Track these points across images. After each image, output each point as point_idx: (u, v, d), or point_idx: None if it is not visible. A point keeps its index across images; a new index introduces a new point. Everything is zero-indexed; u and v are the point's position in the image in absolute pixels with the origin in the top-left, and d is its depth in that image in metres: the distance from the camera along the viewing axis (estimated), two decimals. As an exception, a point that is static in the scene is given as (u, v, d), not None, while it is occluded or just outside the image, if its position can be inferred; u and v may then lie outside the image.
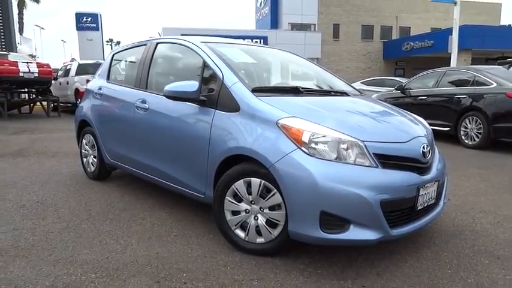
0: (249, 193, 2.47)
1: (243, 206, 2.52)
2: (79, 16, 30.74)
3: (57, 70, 15.73)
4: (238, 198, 2.53)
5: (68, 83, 13.63)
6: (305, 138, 2.27)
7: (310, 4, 30.77)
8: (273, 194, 2.38)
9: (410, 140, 2.51)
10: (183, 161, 2.95)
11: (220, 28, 29.51)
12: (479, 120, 6.70)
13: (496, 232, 3.02)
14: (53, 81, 13.61)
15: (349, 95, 3.20)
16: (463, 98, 7.02)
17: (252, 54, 3.52)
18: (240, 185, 2.49)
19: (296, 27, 30.90)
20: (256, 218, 2.49)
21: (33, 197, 3.73)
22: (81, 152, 4.51)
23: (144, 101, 3.34)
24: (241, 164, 2.52)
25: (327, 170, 2.20)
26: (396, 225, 2.33)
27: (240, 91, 2.64)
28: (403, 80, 15.83)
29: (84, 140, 4.41)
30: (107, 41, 57.94)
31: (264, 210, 2.45)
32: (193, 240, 2.76)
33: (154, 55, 3.52)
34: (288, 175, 2.24)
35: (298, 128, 2.31)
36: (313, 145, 2.26)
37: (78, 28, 30.75)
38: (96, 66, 15.04)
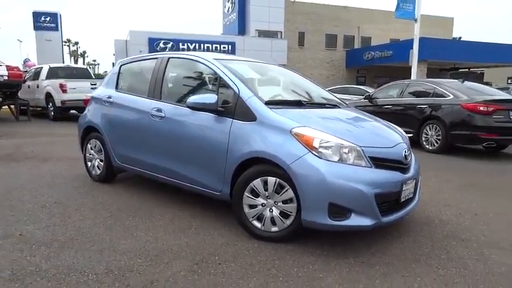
0: (265, 189, 2.96)
1: (260, 200, 3.00)
2: (37, 15, 29.88)
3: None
4: (255, 193, 3.00)
5: (37, 87, 13.50)
6: (315, 144, 2.79)
7: (276, 12, 31.65)
8: (286, 190, 2.88)
9: (395, 146, 3.10)
10: (201, 163, 3.38)
11: (189, 33, 29.71)
12: (438, 128, 7.53)
13: (459, 221, 3.67)
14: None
15: (340, 107, 3.76)
16: (424, 107, 7.84)
17: (257, 71, 4.01)
18: (257, 183, 2.97)
19: (263, 34, 31.65)
20: (271, 210, 2.98)
21: (49, 198, 4.01)
22: (85, 156, 4.79)
23: (159, 110, 3.74)
24: (258, 165, 3.00)
25: (333, 169, 2.73)
26: (386, 214, 2.89)
27: (256, 104, 3.13)
28: (367, 88, 16.86)
29: (89, 145, 4.70)
30: (65, 42, 56.30)
31: (278, 204, 2.94)
32: (213, 231, 3.20)
33: (167, 68, 3.93)
34: (302, 174, 2.75)
35: (309, 135, 2.83)
36: (321, 149, 2.78)
37: (36, 28, 29.88)
38: (68, 70, 15.01)
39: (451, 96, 7.41)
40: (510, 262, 2.80)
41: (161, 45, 28.76)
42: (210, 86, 3.64)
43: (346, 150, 2.82)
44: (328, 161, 2.76)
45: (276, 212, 2.96)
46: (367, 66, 31.76)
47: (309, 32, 32.88)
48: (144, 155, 3.95)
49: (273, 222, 2.98)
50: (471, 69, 32.31)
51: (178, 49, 29.01)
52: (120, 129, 4.23)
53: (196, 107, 3.29)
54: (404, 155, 3.11)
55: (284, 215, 2.94)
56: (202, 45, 29.69)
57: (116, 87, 4.47)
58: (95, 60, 62.90)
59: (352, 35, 34.17)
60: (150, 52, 28.56)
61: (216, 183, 3.30)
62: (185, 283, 2.37)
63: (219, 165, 3.23)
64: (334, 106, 3.74)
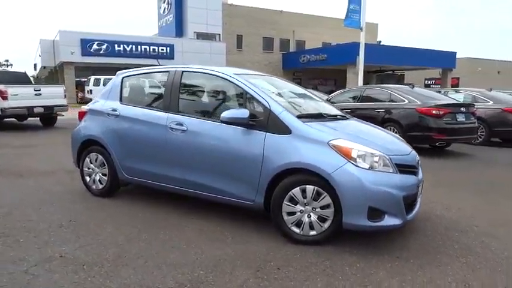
0: (304, 197, 3.21)
1: (298, 207, 3.25)
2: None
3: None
4: (294, 201, 3.24)
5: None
6: (354, 154, 3.11)
7: (214, 14, 31.80)
8: (324, 197, 3.17)
9: (410, 153, 3.53)
10: (231, 174, 3.53)
11: (125, 34, 28.73)
12: (396, 130, 8.28)
13: (449, 215, 4.23)
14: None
15: (349, 119, 4.11)
16: (382, 111, 8.58)
17: (274, 85, 4.22)
18: (296, 191, 3.22)
19: (201, 36, 31.61)
20: (309, 216, 3.24)
21: (60, 216, 3.87)
22: (82, 170, 4.65)
23: (180, 123, 3.81)
24: (296, 175, 3.24)
25: (370, 176, 3.07)
26: (408, 213, 3.29)
27: (289, 118, 3.37)
28: (319, 94, 17.68)
29: (87, 159, 4.58)
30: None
31: (316, 210, 3.21)
32: (249, 239, 3.38)
33: (183, 82, 4.00)
34: (343, 181, 3.05)
35: (347, 146, 3.14)
36: (358, 159, 3.11)
37: None
38: (5, 74, 13.88)
39: (406, 101, 8.22)
40: (509, 248, 3.35)
41: (95, 46, 27.51)
42: (236, 101, 3.80)
43: (376, 159, 3.17)
44: (364, 169, 3.10)
45: (314, 218, 3.23)
46: (302, 69, 33.15)
47: (246, 35, 33.48)
48: (159, 168, 3.98)
49: (311, 226, 3.25)
50: (394, 71, 35.19)
51: (113, 51, 27.97)
52: (129, 143, 4.20)
53: (230, 122, 3.44)
54: (417, 161, 3.55)
55: (321, 219, 3.22)
56: (139, 47, 28.93)
57: (120, 100, 4.42)
58: (7, 61, 57.27)
59: (288, 39, 35.43)
60: (82, 53, 27.21)
61: (249, 193, 3.47)
62: (259, 289, 2.55)
63: (252, 176, 3.41)
64: (344, 118, 4.09)
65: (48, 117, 12.83)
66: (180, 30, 32.09)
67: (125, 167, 4.26)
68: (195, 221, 3.80)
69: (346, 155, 3.12)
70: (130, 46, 28.59)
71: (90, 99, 24.55)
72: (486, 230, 3.78)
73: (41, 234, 3.42)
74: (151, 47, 29.40)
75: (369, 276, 2.76)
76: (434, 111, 7.73)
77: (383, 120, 8.52)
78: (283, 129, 3.35)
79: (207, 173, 3.68)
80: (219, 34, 32.25)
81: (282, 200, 3.27)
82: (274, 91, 3.96)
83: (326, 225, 3.21)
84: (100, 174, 4.51)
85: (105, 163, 4.43)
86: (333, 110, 4.28)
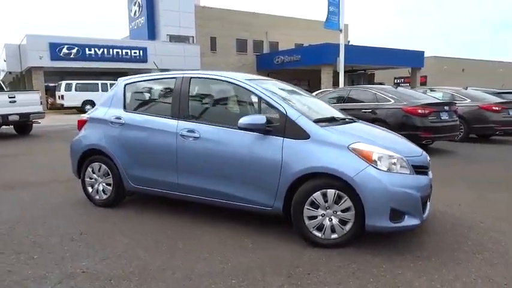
0: (325, 201, 3.25)
1: (320, 211, 3.28)
2: None
3: None
4: (315, 205, 3.27)
5: None
6: (375, 157, 3.16)
7: (187, 17, 31.55)
8: (345, 200, 3.21)
9: (421, 154, 3.62)
10: (248, 180, 3.52)
11: (97, 38, 27.96)
12: (382, 129, 8.48)
13: (452, 212, 4.37)
14: None
15: (357, 121, 4.17)
16: (368, 111, 8.76)
17: (281, 88, 4.22)
18: (317, 196, 3.25)
19: (174, 39, 31.28)
20: (330, 219, 3.27)
21: (68, 230, 3.74)
22: (84, 181, 4.51)
23: (191, 130, 3.76)
24: (316, 179, 3.27)
25: (391, 179, 3.14)
26: (423, 212, 3.38)
27: (306, 123, 3.39)
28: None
29: (89, 169, 4.45)
30: None
31: (337, 213, 3.25)
32: (270, 246, 3.37)
33: (191, 89, 3.96)
34: (365, 184, 3.10)
35: (367, 150, 3.20)
36: (378, 162, 3.17)
37: None
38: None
39: (392, 101, 8.43)
40: (517, 241, 3.51)
41: (65, 50, 26.71)
42: (250, 107, 3.79)
43: (394, 161, 3.24)
44: (384, 171, 3.16)
45: (335, 221, 3.27)
46: (277, 70, 33.30)
47: (220, 37, 33.40)
48: (168, 176, 3.92)
49: (333, 230, 3.28)
50: (365, 71, 36.04)
51: (84, 54, 27.24)
52: (136, 151, 4.11)
53: (248, 128, 3.43)
54: (428, 161, 3.65)
55: (342, 222, 3.26)
56: (111, 50, 28.31)
57: (124, 108, 4.31)
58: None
59: (261, 40, 35.59)
60: (51, 58, 26.32)
61: (267, 199, 3.47)
62: (297, 296, 2.56)
63: (270, 181, 3.42)
64: (352, 120, 4.15)
65: (24, 125, 12.37)
66: (152, 33, 31.65)
67: (132, 176, 4.17)
68: (209, 228, 3.76)
69: (366, 158, 3.17)
70: (101, 49, 27.92)
71: (62, 105, 24.02)
72: (491, 225, 3.93)
73: (54, 249, 3.30)
74: (124, 50, 28.82)
75: (398, 277, 2.82)
76: (420, 111, 7.97)
77: (370, 120, 8.69)
78: (301, 134, 3.37)
79: (222, 180, 3.65)
80: (193, 36, 32.01)
81: (303, 204, 3.29)
82: (285, 96, 3.97)
83: (347, 227, 3.26)
84: (104, 184, 4.39)
85: (110, 173, 4.31)
86: (337, 113, 4.34)
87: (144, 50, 29.26)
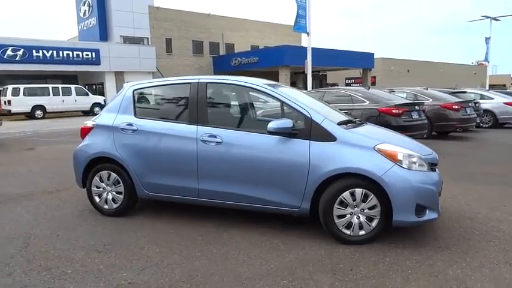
0: (353, 200, 3.42)
1: (348, 210, 3.44)
2: None
3: None
4: (344, 204, 3.43)
5: None
6: (400, 157, 3.38)
7: (141, 17, 30.79)
8: (371, 198, 3.40)
9: (432, 152, 3.90)
10: (275, 183, 3.61)
11: (46, 39, 26.52)
12: (359, 129, 8.87)
13: (451, 205, 4.70)
14: None
15: (367, 124, 4.37)
16: (346, 112, 9.10)
17: (296, 93, 4.33)
18: (346, 195, 3.41)
19: (128, 40, 30.40)
20: (358, 217, 3.45)
21: (87, 241, 3.63)
22: (91, 190, 4.37)
23: (213, 135, 3.78)
24: (344, 179, 3.42)
25: (415, 176, 3.37)
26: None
27: (331, 126, 3.55)
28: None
29: (96, 178, 4.31)
30: None
31: (365, 210, 3.43)
32: (300, 244, 3.49)
33: (209, 94, 3.97)
34: (393, 182, 3.30)
35: (392, 150, 3.41)
36: (402, 161, 3.39)
37: None
38: None
39: (367, 102, 8.84)
40: (517, 229, 3.88)
41: (9, 52, 25.05)
42: (272, 111, 3.86)
43: (414, 159, 3.48)
44: (408, 169, 3.39)
45: (362, 218, 3.45)
46: (235, 72, 33.35)
47: (175, 38, 32.89)
48: (188, 182, 3.92)
49: (360, 227, 3.46)
50: (319, 72, 37.11)
51: (31, 56, 25.71)
52: (151, 158, 4.05)
53: (276, 132, 3.52)
54: (437, 159, 3.94)
55: (370, 219, 3.45)
56: (60, 52, 26.96)
57: (135, 114, 4.23)
58: None
59: (217, 42, 35.48)
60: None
61: (294, 200, 3.58)
62: (350, 291, 2.70)
63: (298, 183, 3.53)
64: (362, 123, 4.36)
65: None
66: (104, 34, 30.53)
67: (146, 183, 4.10)
68: (234, 232, 3.81)
69: (392, 157, 3.38)
70: (50, 51, 26.46)
71: (9, 111, 22.51)
72: (487, 215, 4.30)
73: (84, 262, 3.19)
74: (75, 52, 27.51)
75: (431, 267, 3.04)
76: (394, 111, 8.42)
77: (346, 121, 9.06)
78: (327, 136, 3.51)
79: (248, 183, 3.71)
80: (147, 38, 31.29)
81: (333, 204, 3.43)
82: (305, 100, 4.08)
83: (373, 224, 3.45)
84: (114, 193, 4.27)
85: (120, 181, 4.21)
86: (343, 115, 4.54)
87: (97, 51, 28.11)
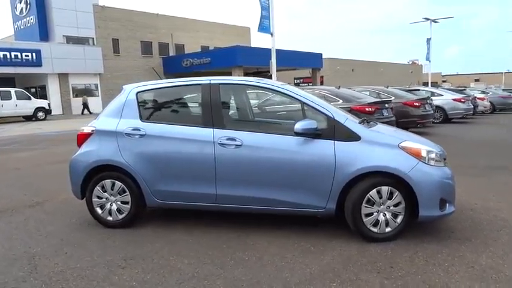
0: (379, 197, 3.46)
1: (375, 208, 3.48)
2: None
3: None
4: (371, 203, 3.47)
5: None
6: (423, 154, 3.48)
7: (85, 17, 29.31)
8: (396, 195, 3.47)
9: (441, 149, 4.05)
10: (300, 185, 3.56)
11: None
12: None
13: (444, 197, 4.93)
14: None
15: (378, 123, 4.44)
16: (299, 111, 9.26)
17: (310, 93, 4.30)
18: (373, 193, 3.45)
19: (72, 40, 28.81)
20: (384, 214, 3.50)
21: (103, 257, 3.35)
22: (91, 201, 4.04)
23: (232, 138, 3.65)
24: (370, 178, 3.45)
25: (437, 172, 3.49)
26: (453, 200, 3.82)
27: (354, 125, 3.57)
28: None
29: (98, 188, 4.00)
30: None
31: (390, 207, 3.49)
32: (329, 245, 3.47)
33: (222, 95, 3.83)
34: (419, 179, 3.39)
35: (416, 147, 3.50)
36: (426, 158, 3.49)
37: None
38: None
39: (341, 101, 9.05)
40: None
41: None
42: (292, 112, 3.80)
43: (433, 156, 3.59)
44: (431, 166, 3.49)
45: (388, 215, 3.50)
46: (186, 73, 32.75)
47: (123, 38, 31.68)
48: (205, 187, 3.75)
49: (387, 224, 3.51)
50: (269, 72, 37.49)
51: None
52: (162, 164, 3.83)
53: (303, 133, 3.47)
54: (446, 154, 4.10)
55: (395, 216, 3.51)
56: (-3, 52, 24.92)
57: (141, 118, 3.97)
58: None
59: (167, 42, 34.68)
60: None
61: (319, 201, 3.56)
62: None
63: (323, 183, 3.51)
64: (374, 122, 4.42)
65: None
66: (45, 34, 28.68)
67: (157, 191, 3.87)
68: (257, 237, 3.70)
69: (416, 154, 3.47)
70: (-17, 52, 24.45)
71: None
72: (484, 205, 4.56)
73: (112, 280, 2.94)
74: (12, 53, 25.64)
75: (464, 259, 3.15)
76: (367, 109, 8.72)
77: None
78: (351, 136, 3.53)
79: (271, 186, 3.63)
80: (93, 38, 29.84)
81: (360, 203, 3.45)
82: (320, 100, 4.07)
83: (399, 220, 3.52)
84: (119, 203, 3.99)
85: (126, 189, 3.94)
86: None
87: (38, 52, 26.40)
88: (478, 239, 3.57)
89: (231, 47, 29.77)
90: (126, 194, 3.96)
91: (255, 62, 30.21)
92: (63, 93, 28.16)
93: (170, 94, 4.20)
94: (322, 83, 40.24)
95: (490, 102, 20.82)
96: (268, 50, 32.02)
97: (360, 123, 3.84)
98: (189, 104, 4.07)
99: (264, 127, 3.75)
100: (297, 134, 3.50)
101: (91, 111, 28.09)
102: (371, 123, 4.30)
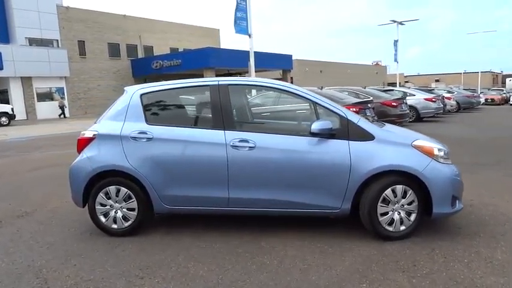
0: (394, 196, 3.50)
1: (390, 207, 3.51)
2: None
3: None
4: (386, 202, 3.50)
5: None
6: (436, 152, 3.54)
7: (49, 18, 28.20)
8: (410, 194, 3.52)
9: (445, 146, 4.16)
10: (315, 186, 3.54)
11: None
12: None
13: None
14: None
15: (386, 123, 4.49)
16: (304, 111, 9.31)
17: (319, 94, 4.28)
18: (389, 192, 3.48)
19: (35, 42, 27.63)
20: (399, 213, 3.54)
21: (116, 268, 3.19)
22: (95, 209, 3.85)
23: (245, 140, 3.58)
24: (386, 177, 3.48)
25: (448, 169, 3.56)
26: (459, 197, 3.91)
27: (368, 125, 3.59)
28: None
29: (101, 195, 3.82)
30: None
31: (404, 206, 3.54)
32: (346, 246, 3.47)
33: (232, 97, 3.75)
34: (432, 177, 3.45)
35: (428, 146, 3.56)
36: (438, 156, 3.55)
37: None
38: None
39: (325, 102, 9.14)
40: (510, 212, 4.29)
41: None
42: (305, 112, 3.77)
43: (442, 153, 3.68)
44: (442, 163, 3.57)
45: (402, 214, 3.55)
46: (156, 75, 32.16)
47: (89, 40, 30.71)
48: (217, 191, 3.66)
49: (401, 222, 3.55)
50: (241, 74, 37.47)
51: None
52: (173, 168, 3.70)
53: (319, 133, 3.45)
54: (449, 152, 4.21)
55: (408, 214, 3.56)
56: (-48, 55, 23.52)
57: (146, 121, 3.82)
58: None
59: (135, 44, 33.92)
60: None
61: (334, 202, 3.55)
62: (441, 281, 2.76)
63: (339, 183, 3.51)
64: (382, 122, 4.48)
65: None
66: (5, 36, 27.32)
67: (166, 196, 3.74)
68: (271, 240, 3.65)
69: (428, 153, 3.53)
70: None
71: None
72: (480, 200, 4.72)
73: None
74: (-30, 55, 24.25)
75: (480, 254, 3.23)
76: (352, 109, 8.80)
77: (305, 121, 9.28)
78: (365, 136, 3.54)
79: (285, 188, 3.58)
80: (57, 40, 28.73)
81: (376, 202, 3.47)
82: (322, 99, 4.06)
83: (412, 218, 3.56)
84: (125, 210, 3.82)
85: (132, 196, 3.78)
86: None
87: (-1, 55, 25.12)
88: (486, 233, 3.68)
89: (203, 49, 29.51)
90: (132, 200, 3.80)
91: (226, 63, 30.10)
92: (27, 97, 26.95)
93: (176, 96, 4.08)
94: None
95: (456, 101, 21.72)
96: (240, 52, 32.13)
97: (373, 122, 3.88)
98: (198, 106, 3.97)
99: (276, 128, 3.70)
100: (313, 134, 3.49)
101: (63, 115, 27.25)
102: (379, 123, 4.36)
